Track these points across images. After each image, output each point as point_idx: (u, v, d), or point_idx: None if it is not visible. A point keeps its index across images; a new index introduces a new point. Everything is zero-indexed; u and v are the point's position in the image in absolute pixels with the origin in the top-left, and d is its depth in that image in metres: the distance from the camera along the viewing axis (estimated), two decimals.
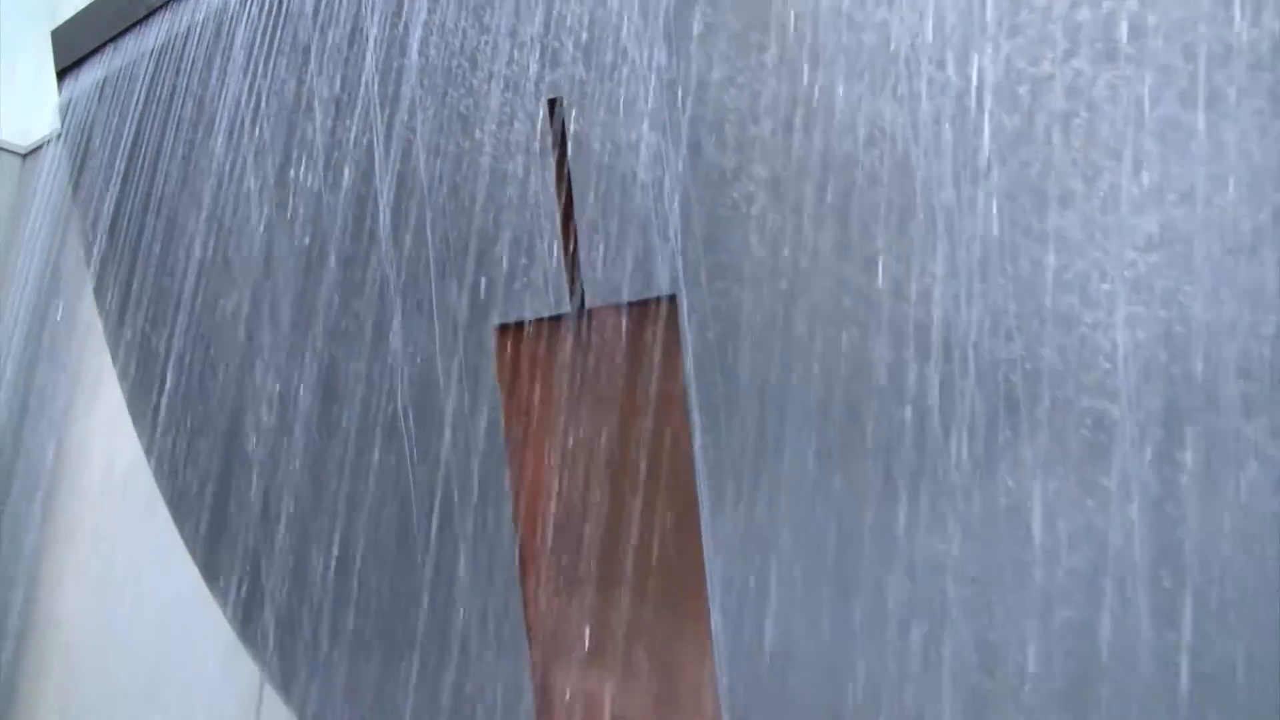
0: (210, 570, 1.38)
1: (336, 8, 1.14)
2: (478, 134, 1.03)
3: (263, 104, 1.24)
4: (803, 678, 0.85)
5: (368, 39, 1.12)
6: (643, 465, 0.94)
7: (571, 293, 0.99)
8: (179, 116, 1.37)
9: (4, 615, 2.36)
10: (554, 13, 0.96)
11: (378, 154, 1.12)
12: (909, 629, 0.79)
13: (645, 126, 0.91)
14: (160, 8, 1.38)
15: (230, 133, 1.30)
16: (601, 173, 0.94)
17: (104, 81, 1.48)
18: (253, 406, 1.27)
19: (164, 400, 1.41)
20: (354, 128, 1.14)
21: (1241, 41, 0.66)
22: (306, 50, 1.18)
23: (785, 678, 0.86)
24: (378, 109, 1.12)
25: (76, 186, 1.56)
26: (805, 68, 0.82)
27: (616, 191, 0.93)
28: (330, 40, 1.16)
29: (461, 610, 1.07)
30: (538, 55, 0.98)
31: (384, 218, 1.11)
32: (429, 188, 1.07)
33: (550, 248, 0.99)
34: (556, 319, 1.00)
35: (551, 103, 0.98)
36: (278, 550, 1.24)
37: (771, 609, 0.86)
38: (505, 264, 1.02)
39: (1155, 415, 0.69)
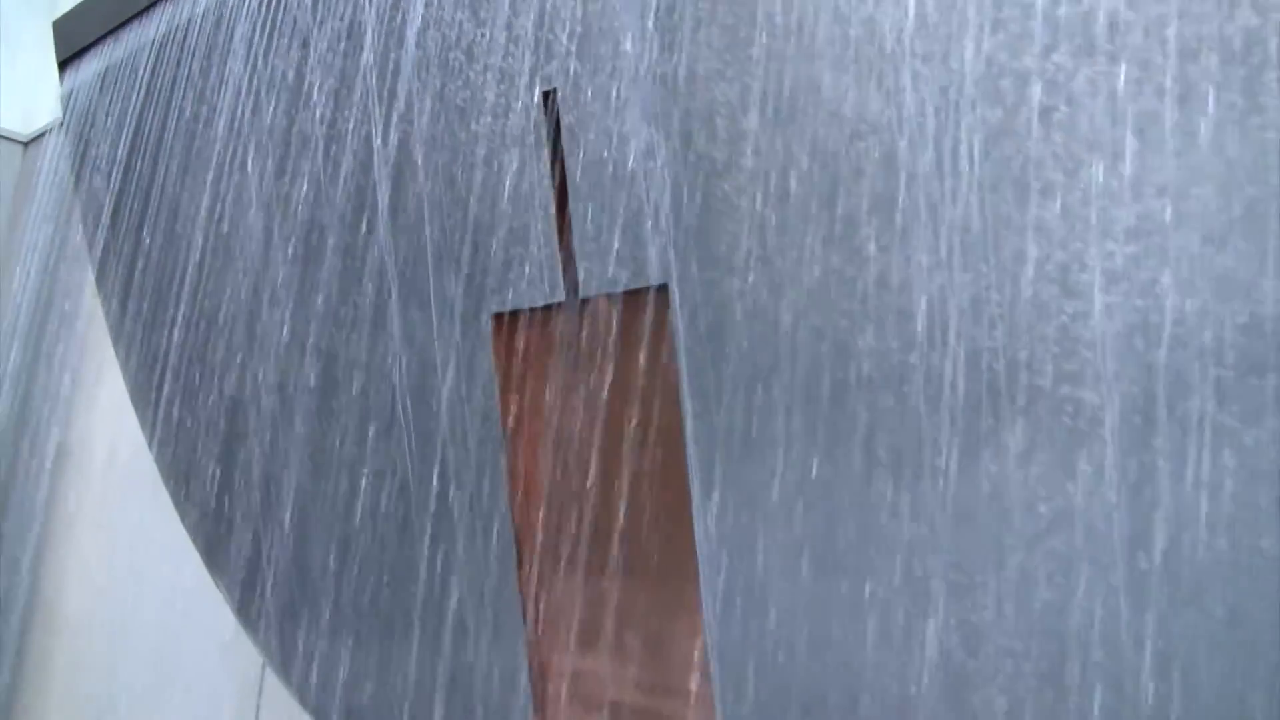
0: (211, 557, 1.40)
1: (335, 0, 1.16)
2: (474, 125, 1.04)
3: (263, 95, 1.26)
4: (792, 657, 0.87)
5: (366, 31, 1.13)
6: (636, 451, 0.96)
7: (566, 282, 1.00)
8: (180, 107, 1.39)
9: (9, 604, 2.37)
10: (547, 6, 0.98)
11: (376, 145, 1.13)
12: (894, 610, 0.81)
13: (637, 119, 0.93)
14: None
15: (230, 123, 1.32)
16: (595, 164, 0.96)
17: (105, 72, 1.49)
18: (253, 395, 1.29)
19: (165, 389, 1.43)
20: (352, 118, 1.16)
21: (1217, 37, 0.67)
22: (306, 42, 1.20)
23: (775, 657, 0.88)
24: (376, 100, 1.13)
25: (78, 177, 1.58)
26: (793, 61, 0.84)
27: (609, 183, 0.95)
28: (329, 32, 1.17)
29: (458, 593, 1.09)
30: (532, 48, 0.99)
31: (383, 208, 1.13)
32: (427, 178, 1.09)
33: (545, 238, 1.00)
34: (552, 308, 1.02)
35: (546, 95, 0.99)
36: (278, 536, 1.26)
37: (761, 590, 0.88)
38: (501, 254, 1.03)
39: (1133, 402, 0.70)
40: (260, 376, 1.28)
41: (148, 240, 1.47)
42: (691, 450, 0.92)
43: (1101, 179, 0.71)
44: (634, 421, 0.96)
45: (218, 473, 1.36)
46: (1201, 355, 0.68)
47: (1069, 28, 0.72)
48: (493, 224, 1.03)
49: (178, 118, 1.39)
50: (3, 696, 2.38)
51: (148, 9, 1.41)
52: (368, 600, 1.18)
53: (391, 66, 1.11)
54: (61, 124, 1.63)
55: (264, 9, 1.23)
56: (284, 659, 1.32)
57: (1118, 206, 0.71)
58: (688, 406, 0.92)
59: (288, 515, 1.25)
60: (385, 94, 1.12)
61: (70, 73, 1.58)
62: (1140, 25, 0.70)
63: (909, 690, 0.80)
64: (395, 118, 1.11)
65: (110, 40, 1.49)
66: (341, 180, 1.17)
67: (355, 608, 1.20)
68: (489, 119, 1.03)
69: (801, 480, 0.85)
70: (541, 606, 1.05)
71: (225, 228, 1.34)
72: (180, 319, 1.40)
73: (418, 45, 1.08)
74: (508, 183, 1.02)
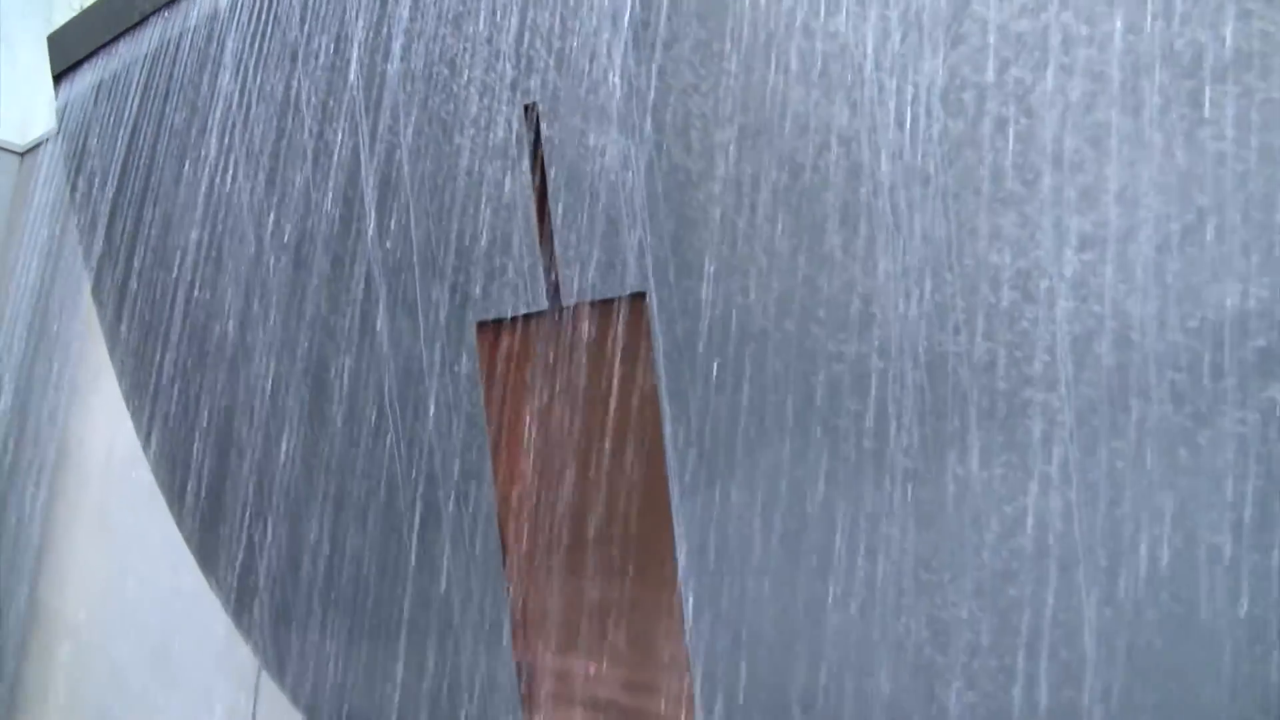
0: (205, 560, 1.42)
1: (323, 15, 1.18)
2: (458, 138, 1.07)
3: (252, 107, 1.28)
4: (767, 648, 0.89)
5: (352, 45, 1.16)
6: (616, 452, 0.98)
7: (548, 290, 1.03)
8: (172, 119, 1.41)
9: (9, 606, 2.39)
10: (527, 22, 1.00)
11: (363, 156, 1.15)
12: (862, 604, 0.83)
13: (615, 131, 0.95)
14: (153, 13, 1.41)
15: (221, 135, 1.34)
16: (575, 175, 0.98)
17: (99, 85, 1.51)
18: (245, 400, 1.31)
19: (159, 395, 1.45)
20: (340, 130, 1.18)
21: (1167, 51, 0.70)
22: (295, 56, 1.22)
23: (751, 648, 0.90)
24: (363, 113, 1.15)
25: (74, 187, 1.60)
26: (763, 75, 0.86)
27: (589, 194, 0.97)
28: (317, 46, 1.19)
29: (446, 594, 1.11)
30: (513, 63, 1.02)
31: (370, 218, 1.15)
32: (412, 189, 1.11)
33: (527, 247, 1.03)
34: (534, 315, 1.04)
35: (527, 108, 1.02)
36: (269, 539, 1.28)
37: (737, 584, 0.91)
38: (485, 263, 1.06)
39: (1091, 404, 0.73)
40: (251, 383, 1.30)
41: (142, 249, 1.49)
42: (670, 452, 0.94)
43: (1059, 189, 0.74)
44: (614, 425, 0.98)
45: (210, 478, 1.38)
46: (1156, 359, 0.70)
47: (1027, 43, 0.75)
48: (476, 234, 1.05)
49: (170, 129, 1.42)
50: (4, 696, 2.40)
51: (141, 23, 1.43)
52: (357, 602, 1.20)
53: (378, 80, 1.13)
54: (57, 135, 1.65)
55: (253, 24, 1.25)
56: (277, 660, 1.35)
57: (1074, 215, 0.73)
58: (666, 408, 0.94)
59: (279, 520, 1.27)
60: (372, 107, 1.14)
61: (65, 85, 1.60)
62: (1094, 40, 0.72)
63: (880, 682, 0.83)
64: (382, 130, 1.13)
65: (104, 54, 1.51)
66: (330, 191, 1.19)
67: (345, 610, 1.22)
68: (472, 131, 1.05)
69: (774, 477, 0.88)
70: (526, 606, 1.07)
71: (217, 237, 1.36)
72: (174, 326, 1.42)
73: (403, 59, 1.10)
74: (491, 194, 1.04)
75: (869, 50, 0.81)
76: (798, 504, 0.86)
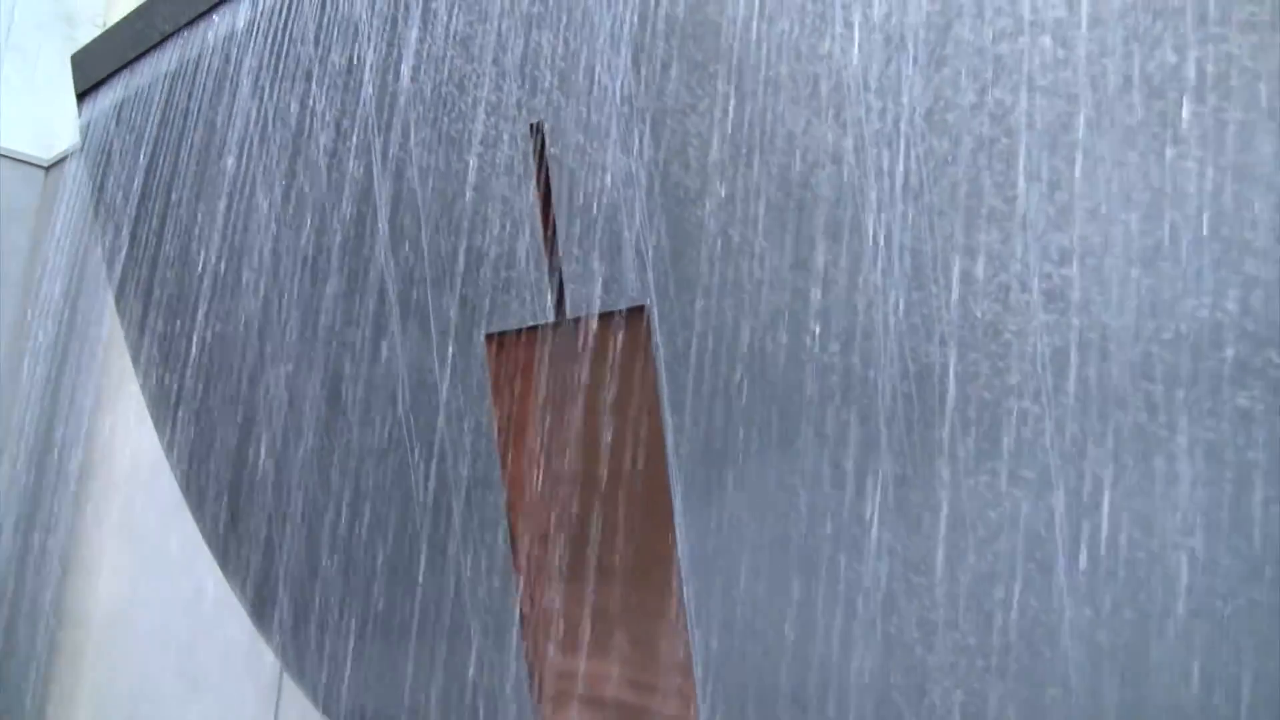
0: (226, 564, 1.46)
1: (335, 37, 1.22)
2: (466, 155, 1.10)
3: (268, 125, 1.32)
4: (770, 653, 0.92)
5: (365, 65, 1.19)
6: (619, 461, 1.02)
7: (554, 303, 1.06)
8: (191, 136, 1.45)
9: (39, 608, 2.44)
10: (531, 43, 1.04)
11: (376, 172, 1.19)
12: (858, 607, 0.86)
13: (616, 149, 0.98)
14: (173, 34, 1.46)
15: (239, 151, 1.38)
16: (578, 193, 1.02)
17: (121, 104, 1.56)
18: (263, 409, 1.36)
19: (181, 403, 1.49)
20: (353, 147, 1.22)
21: (1140, 73, 0.73)
22: (308, 75, 1.26)
23: (754, 654, 0.93)
24: (375, 130, 1.19)
25: (97, 202, 1.65)
26: (757, 96, 0.89)
27: (592, 210, 1.01)
28: (330, 66, 1.23)
29: (459, 598, 1.15)
30: (519, 82, 1.05)
31: (382, 233, 1.19)
32: (423, 205, 1.15)
33: (533, 262, 1.06)
34: (541, 328, 1.08)
35: (532, 126, 1.05)
36: (287, 543, 1.32)
37: (738, 590, 0.94)
38: (493, 277, 1.09)
39: (1070, 413, 0.76)
40: (270, 392, 1.34)
41: (163, 262, 1.53)
42: (672, 462, 0.98)
43: (1039, 205, 0.77)
44: (619, 434, 1.02)
45: (231, 484, 1.42)
46: (1131, 370, 0.73)
47: (1007, 65, 0.78)
48: (485, 249, 1.09)
49: (190, 146, 1.46)
50: (35, 698, 2.45)
51: (160, 44, 1.48)
52: (374, 606, 1.24)
53: (389, 99, 1.17)
54: (80, 151, 1.70)
55: (269, 44, 1.29)
56: (297, 663, 1.39)
57: (1054, 231, 0.76)
58: (668, 420, 0.97)
59: (297, 525, 1.31)
60: (383, 125, 1.18)
61: (88, 104, 1.65)
62: (1071, 63, 0.75)
63: (873, 679, 0.86)
64: (393, 147, 1.17)
65: (126, 73, 1.55)
66: (344, 206, 1.23)
67: (362, 613, 1.26)
68: (480, 149, 1.09)
69: (773, 486, 0.91)
70: (536, 610, 1.11)
71: (235, 250, 1.40)
72: (194, 337, 1.47)
73: (413, 79, 1.14)
74: (498, 210, 1.08)
75: (857, 72, 0.84)
76: (793, 508, 0.89)
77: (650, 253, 0.97)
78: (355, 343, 1.23)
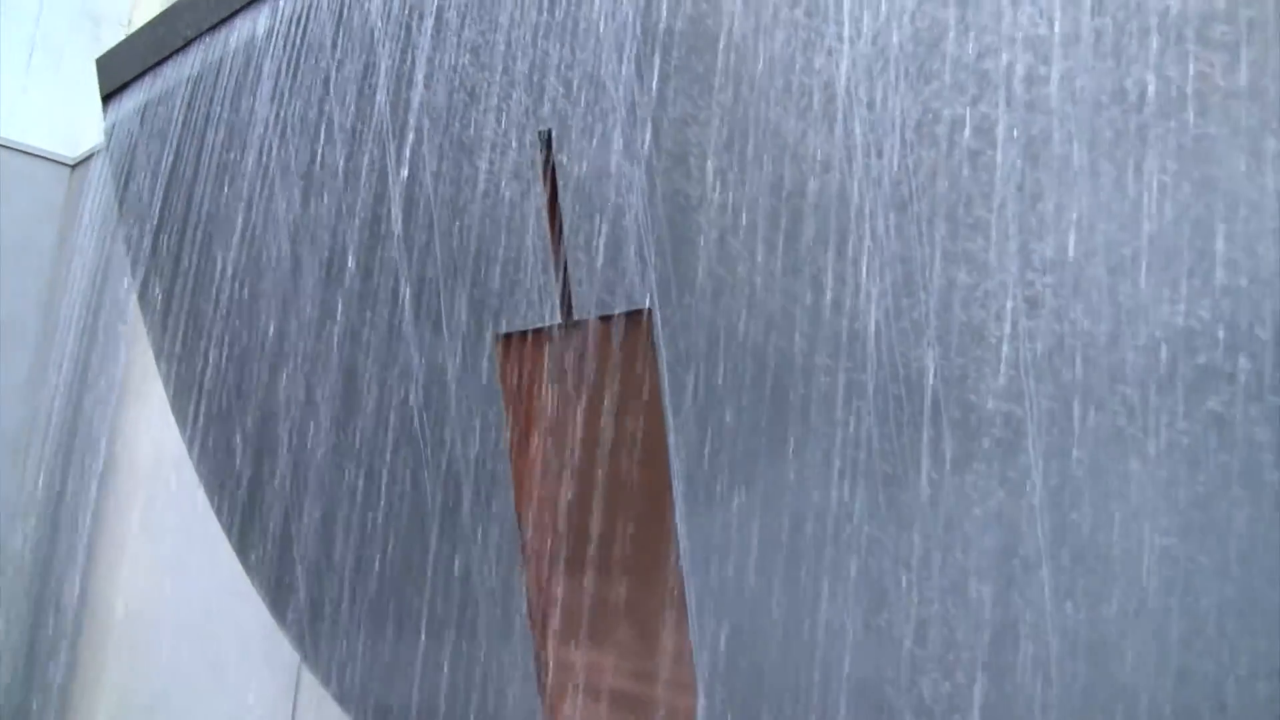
0: (247, 559, 1.50)
1: (352, 45, 1.26)
2: (477, 161, 1.14)
3: (287, 128, 1.36)
4: (766, 644, 0.96)
5: (380, 72, 1.23)
6: (623, 459, 1.05)
7: (562, 306, 1.10)
8: (213, 138, 1.49)
9: (64, 603, 2.49)
10: (540, 54, 1.07)
11: (390, 177, 1.23)
12: (853, 603, 0.89)
13: (622, 157, 1.02)
14: (195, 39, 1.50)
15: (259, 154, 1.42)
16: (584, 199, 1.05)
17: (145, 106, 1.60)
18: (281, 406, 1.40)
19: (202, 400, 1.53)
20: (368, 153, 1.26)
21: (1117, 89, 0.75)
22: (326, 81, 1.30)
23: (751, 644, 0.97)
24: (390, 136, 1.23)
25: (121, 202, 1.69)
26: (755, 107, 0.92)
27: (598, 216, 1.04)
28: (347, 73, 1.27)
29: (470, 592, 1.19)
30: (528, 91, 1.09)
31: (397, 235, 1.23)
32: (436, 210, 1.18)
33: (541, 265, 1.10)
34: (549, 329, 1.11)
35: (540, 134, 1.09)
36: (305, 538, 1.36)
37: (738, 586, 0.97)
38: (503, 280, 1.13)
39: (1051, 416, 0.79)
40: (288, 391, 1.38)
41: (185, 260, 1.57)
42: (674, 460, 1.01)
43: (1022, 215, 0.79)
44: (622, 432, 1.05)
45: (250, 481, 1.46)
46: (1109, 374, 0.76)
47: (992, 81, 0.81)
48: (495, 253, 1.13)
49: (211, 148, 1.50)
50: (59, 689, 2.49)
51: (183, 48, 1.52)
52: (389, 601, 1.28)
53: (403, 105, 1.21)
54: (105, 151, 1.74)
55: (288, 50, 1.33)
56: (315, 656, 1.43)
57: (1037, 240, 0.79)
58: (670, 420, 1.01)
59: (314, 521, 1.35)
60: (398, 131, 1.22)
61: (113, 106, 1.69)
62: (1053, 79, 0.78)
63: (865, 672, 0.89)
64: (407, 153, 1.21)
65: (150, 77, 1.60)
66: (359, 210, 1.27)
67: (377, 608, 1.30)
68: (490, 155, 1.13)
69: (771, 485, 0.94)
70: (544, 603, 1.15)
71: (255, 250, 1.44)
72: (216, 337, 1.51)
73: (426, 87, 1.18)
74: (508, 214, 1.11)
75: (850, 85, 0.87)
76: (789, 506, 0.93)
77: (653, 257, 1.00)
78: (370, 341, 1.27)
